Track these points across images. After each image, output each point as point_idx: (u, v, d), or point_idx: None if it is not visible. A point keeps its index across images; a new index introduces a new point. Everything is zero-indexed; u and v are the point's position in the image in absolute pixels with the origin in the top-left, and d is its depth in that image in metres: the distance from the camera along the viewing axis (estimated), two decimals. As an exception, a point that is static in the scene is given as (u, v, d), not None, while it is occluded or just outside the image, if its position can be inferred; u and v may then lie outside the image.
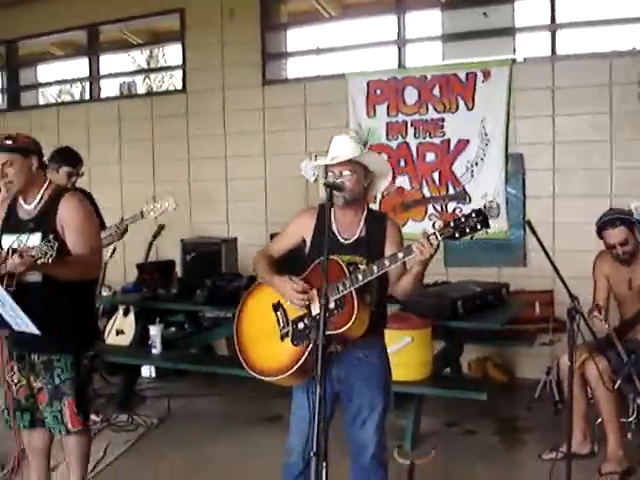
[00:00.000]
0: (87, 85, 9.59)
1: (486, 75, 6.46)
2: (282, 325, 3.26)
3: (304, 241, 3.43)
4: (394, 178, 6.78)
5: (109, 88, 9.71)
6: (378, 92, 6.89)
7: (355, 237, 3.27)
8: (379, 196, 6.80)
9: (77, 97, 15.84)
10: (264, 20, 7.56)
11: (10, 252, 3.14)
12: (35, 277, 3.24)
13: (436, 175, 6.69)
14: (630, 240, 4.52)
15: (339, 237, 3.29)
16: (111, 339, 6.49)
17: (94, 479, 4.41)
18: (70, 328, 3.42)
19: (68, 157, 5.26)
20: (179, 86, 8.52)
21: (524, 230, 6.32)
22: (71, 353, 3.48)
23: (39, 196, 3.48)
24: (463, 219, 2.79)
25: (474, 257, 6.55)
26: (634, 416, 4.67)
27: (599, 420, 4.53)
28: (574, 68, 6.32)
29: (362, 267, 3.08)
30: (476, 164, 6.48)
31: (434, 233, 2.84)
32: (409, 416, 4.96)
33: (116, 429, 5.37)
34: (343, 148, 3.24)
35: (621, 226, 4.50)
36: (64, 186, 4.35)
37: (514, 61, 6.48)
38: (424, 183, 6.73)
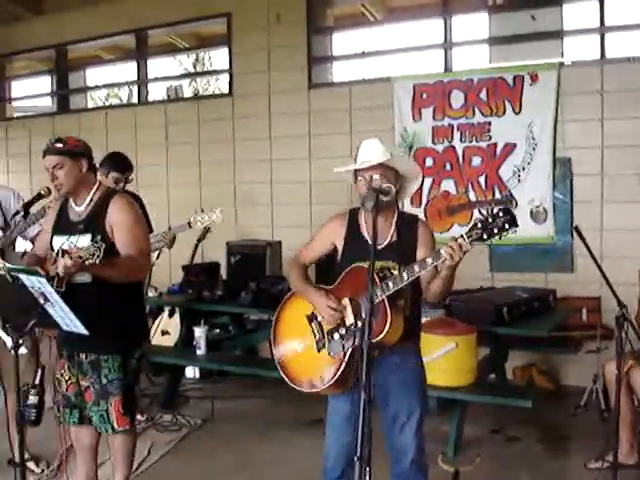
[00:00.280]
0: (135, 88, 9.71)
1: (534, 78, 6.39)
2: (318, 337, 3.27)
3: (335, 248, 3.43)
4: (439, 182, 6.76)
5: (156, 91, 9.84)
6: (424, 96, 6.86)
7: (387, 242, 3.25)
8: (424, 200, 6.80)
9: (124, 100, 16.09)
10: (310, 24, 7.57)
11: (60, 253, 3.19)
12: (84, 278, 3.29)
13: (482, 179, 6.63)
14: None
15: (369, 242, 3.27)
16: (156, 340, 6.57)
17: (138, 478, 4.46)
18: (118, 328, 3.46)
19: (117, 163, 5.33)
20: (224, 89, 8.59)
21: (571, 236, 6.23)
22: (119, 353, 3.52)
23: (89, 198, 3.53)
24: (490, 219, 2.74)
25: (520, 262, 6.50)
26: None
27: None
28: (623, 71, 6.22)
29: (394, 273, 3.06)
30: (523, 168, 6.42)
31: (462, 236, 2.81)
32: (453, 422, 4.93)
33: (160, 429, 5.44)
34: (373, 152, 3.23)
35: None
36: (114, 188, 4.42)
37: (562, 64, 6.39)
38: (470, 187, 6.68)
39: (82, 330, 2.78)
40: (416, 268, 2.94)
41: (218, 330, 6.98)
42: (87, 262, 3.15)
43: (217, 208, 5.24)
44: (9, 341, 2.88)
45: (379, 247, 3.21)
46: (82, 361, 3.56)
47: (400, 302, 3.08)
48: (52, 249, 3.51)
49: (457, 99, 6.72)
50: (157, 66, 9.73)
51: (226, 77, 8.45)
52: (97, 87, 11.79)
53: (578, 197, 6.37)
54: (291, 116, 7.60)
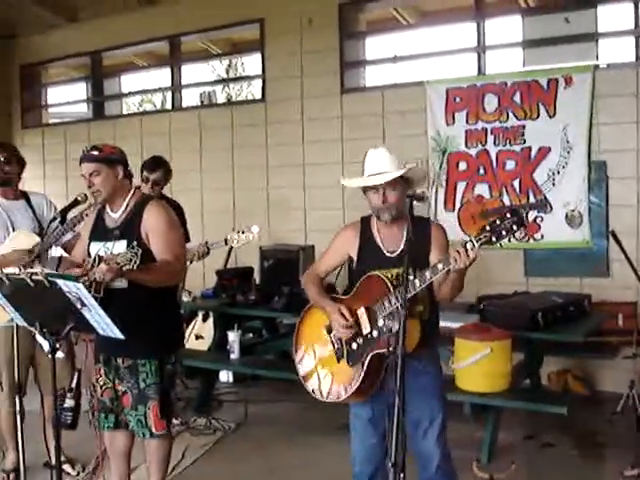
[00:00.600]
0: (169, 94, 9.79)
1: (568, 81, 6.33)
2: (337, 347, 3.30)
3: (350, 258, 3.45)
4: (473, 186, 6.73)
5: (190, 97, 9.91)
6: (457, 99, 6.83)
7: (400, 249, 3.25)
8: (458, 204, 6.77)
9: (158, 106, 16.21)
10: (343, 29, 7.58)
11: (97, 260, 3.23)
12: (121, 283, 3.33)
13: (516, 183, 6.58)
14: None
15: (384, 250, 3.29)
16: (190, 344, 6.60)
17: (172, 482, 4.50)
18: (155, 333, 3.49)
19: (146, 162, 5.51)
20: (257, 95, 8.63)
21: (607, 240, 6.15)
22: (156, 358, 3.56)
23: (124, 204, 3.57)
24: (498, 222, 2.71)
25: (555, 267, 6.44)
26: None
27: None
28: (660, 73, 6.15)
29: (411, 278, 3.06)
30: (558, 172, 6.36)
31: (471, 240, 2.79)
32: (487, 428, 4.89)
33: (194, 433, 5.47)
34: (383, 163, 3.23)
35: None
36: (149, 194, 4.47)
37: (597, 67, 6.33)
38: (504, 191, 6.63)
39: (118, 334, 2.81)
40: (427, 274, 2.93)
41: (251, 334, 7.01)
42: (124, 268, 3.18)
43: (254, 227, 5.25)
44: (46, 345, 2.91)
45: (393, 255, 3.26)
46: (119, 366, 3.60)
47: (417, 308, 3.09)
48: (89, 256, 3.56)
49: (490, 103, 6.68)
50: (190, 72, 9.80)
51: (259, 82, 8.49)
52: (132, 93, 11.90)
53: (613, 201, 6.29)
54: (324, 121, 7.61)
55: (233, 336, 5.90)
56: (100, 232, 3.61)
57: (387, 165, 3.21)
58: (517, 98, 6.55)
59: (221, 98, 12.40)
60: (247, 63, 15.65)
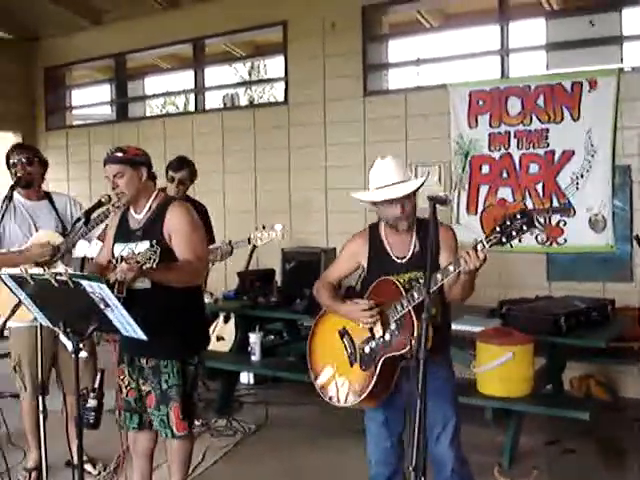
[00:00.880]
0: (191, 97, 9.84)
1: (592, 85, 6.28)
2: (350, 351, 3.32)
3: (360, 265, 3.47)
4: (496, 190, 6.69)
5: (213, 99, 9.95)
6: (480, 103, 6.80)
7: (410, 253, 3.29)
8: (480, 208, 6.74)
9: (180, 108, 16.30)
10: (365, 31, 7.57)
11: (119, 260, 3.26)
12: (144, 284, 3.35)
13: (540, 187, 6.54)
14: None
15: (393, 257, 3.31)
16: (212, 345, 6.58)
17: (192, 482, 4.51)
18: (178, 335, 3.52)
19: (171, 163, 5.52)
20: (279, 97, 8.65)
21: (631, 244, 6.11)
22: (178, 359, 3.58)
23: (148, 206, 3.60)
24: (508, 222, 2.73)
25: (578, 271, 6.39)
26: None
27: None
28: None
29: (422, 282, 3.07)
30: (581, 176, 6.31)
31: (481, 241, 2.79)
32: (508, 433, 4.87)
33: (215, 434, 5.49)
34: (393, 174, 3.25)
35: None
36: (173, 196, 4.50)
37: (622, 70, 6.27)
38: (527, 195, 6.59)
39: (141, 335, 2.83)
40: (439, 277, 2.94)
41: (272, 336, 7.02)
42: (144, 267, 3.21)
43: (278, 225, 5.26)
44: (70, 345, 2.94)
45: (403, 260, 3.29)
46: (143, 366, 3.63)
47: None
48: (113, 257, 3.59)
49: (514, 106, 6.64)
50: (213, 74, 9.84)
51: (280, 85, 8.50)
52: (155, 95, 11.96)
53: (638, 205, 6.24)
54: (346, 124, 7.61)
55: (254, 338, 5.93)
56: (124, 233, 3.64)
57: (398, 175, 3.25)
58: (541, 101, 6.51)
59: (243, 100, 12.45)
60: (269, 65, 15.74)
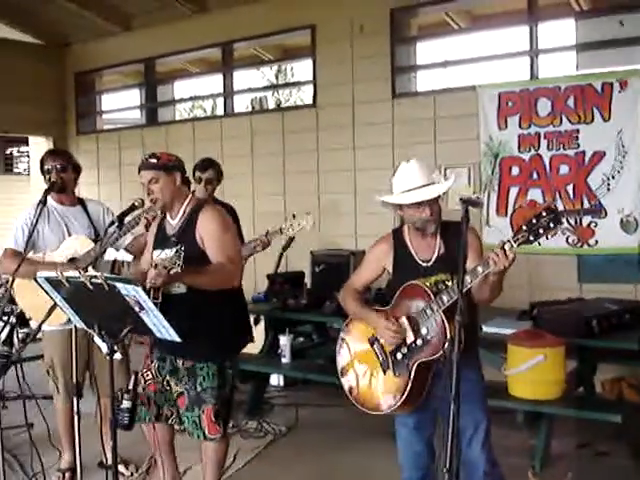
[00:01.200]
0: (219, 100, 9.89)
1: (623, 85, 6.23)
2: (381, 358, 3.32)
3: (385, 270, 3.47)
4: (526, 191, 6.66)
5: (241, 103, 10.00)
6: (510, 104, 6.77)
7: (435, 256, 3.29)
8: (510, 209, 6.71)
9: (208, 112, 16.39)
10: (394, 34, 7.57)
11: (153, 267, 3.30)
12: (179, 289, 3.40)
13: (570, 188, 6.49)
14: None
15: (418, 260, 3.31)
16: (242, 347, 6.65)
17: (224, 484, 4.53)
18: (215, 337, 3.56)
19: (197, 164, 5.55)
20: (306, 100, 8.67)
21: (664, 246, 6.06)
22: (214, 362, 3.61)
23: (182, 210, 3.65)
24: (534, 220, 2.72)
25: (609, 273, 6.33)
26: None
27: None
28: None
29: (449, 284, 3.07)
30: (612, 177, 6.26)
31: (509, 241, 2.78)
32: (540, 436, 4.83)
33: (245, 435, 5.51)
34: (419, 176, 3.24)
35: None
36: (204, 199, 4.54)
37: (653, 70, 6.23)
38: (557, 196, 6.55)
39: (175, 337, 2.85)
40: (468, 278, 2.93)
41: (302, 338, 7.04)
42: (172, 271, 3.24)
43: (308, 213, 5.28)
44: (104, 347, 2.97)
45: (428, 263, 3.27)
46: (178, 367, 3.66)
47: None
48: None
49: (544, 107, 6.60)
50: (242, 78, 9.89)
51: (309, 88, 8.53)
52: (184, 100, 12.04)
53: (670, 206, 6.18)
54: (374, 126, 7.61)
55: (284, 340, 5.95)
56: (161, 240, 3.70)
57: (425, 178, 3.24)
58: (571, 102, 6.46)
59: (271, 103, 12.51)
60: (296, 68, 15.79)
